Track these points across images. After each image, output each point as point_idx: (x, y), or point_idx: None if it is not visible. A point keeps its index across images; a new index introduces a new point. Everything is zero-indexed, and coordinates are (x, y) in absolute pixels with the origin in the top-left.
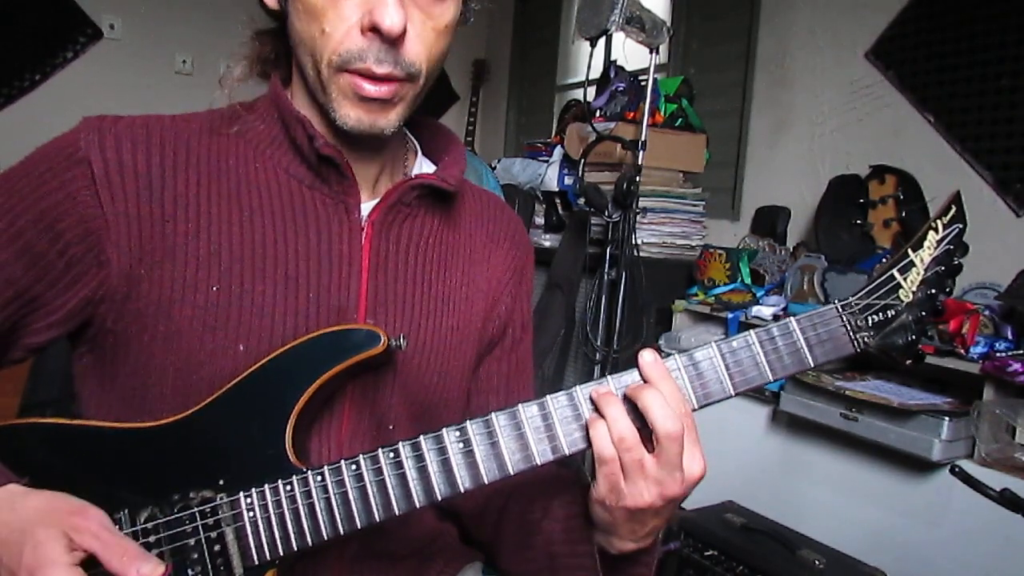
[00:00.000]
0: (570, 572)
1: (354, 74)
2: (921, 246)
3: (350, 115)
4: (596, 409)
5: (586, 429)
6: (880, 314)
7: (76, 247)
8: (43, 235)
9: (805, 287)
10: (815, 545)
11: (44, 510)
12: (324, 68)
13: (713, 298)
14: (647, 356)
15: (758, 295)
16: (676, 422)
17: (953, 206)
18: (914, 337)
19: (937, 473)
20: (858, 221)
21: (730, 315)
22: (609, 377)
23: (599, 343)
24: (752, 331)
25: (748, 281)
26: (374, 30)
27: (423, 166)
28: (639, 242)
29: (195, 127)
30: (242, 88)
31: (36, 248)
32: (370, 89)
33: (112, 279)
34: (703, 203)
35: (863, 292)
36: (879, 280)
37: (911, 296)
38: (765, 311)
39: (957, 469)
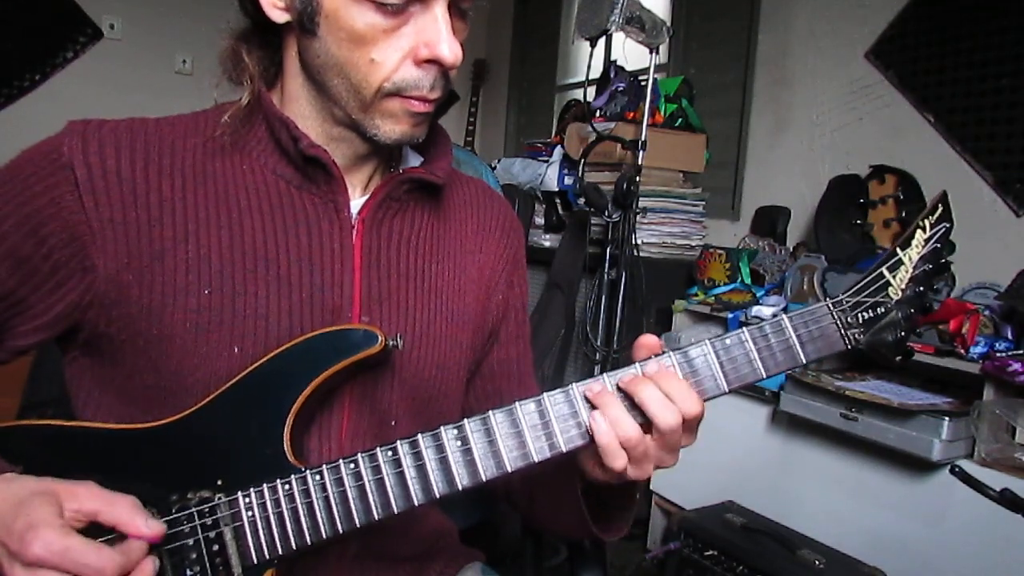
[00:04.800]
0: (569, 515)
1: (407, 98)
2: (909, 245)
3: (395, 130)
4: (595, 408)
5: (582, 427)
6: (870, 311)
7: (61, 252)
8: (28, 239)
9: (805, 287)
10: (815, 545)
11: (39, 485)
12: (370, 93)
13: (713, 298)
14: (651, 365)
15: (758, 295)
16: (675, 415)
17: (940, 205)
18: (903, 334)
19: (937, 473)
20: (858, 221)
21: (730, 315)
22: (605, 375)
23: (599, 343)
24: (745, 328)
25: (748, 281)
26: (431, 62)
27: (410, 159)
28: (639, 242)
29: (180, 130)
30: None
31: (21, 252)
32: (421, 107)
33: (99, 284)
34: (703, 203)
35: (854, 290)
36: (869, 278)
37: (900, 293)
38: (765, 311)
39: (957, 469)
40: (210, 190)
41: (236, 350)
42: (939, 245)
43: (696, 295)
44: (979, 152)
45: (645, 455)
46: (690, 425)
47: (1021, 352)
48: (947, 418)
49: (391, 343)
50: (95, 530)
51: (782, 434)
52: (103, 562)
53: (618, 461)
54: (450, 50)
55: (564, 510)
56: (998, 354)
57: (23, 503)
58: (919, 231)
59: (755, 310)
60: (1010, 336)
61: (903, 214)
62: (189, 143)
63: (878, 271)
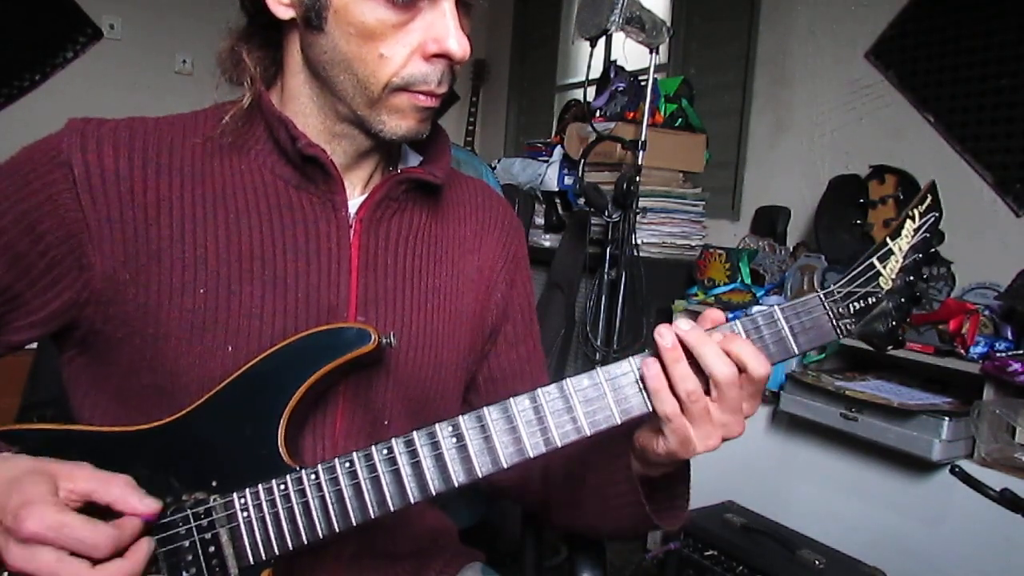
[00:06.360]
0: (620, 511)
1: (414, 93)
2: (899, 235)
3: (401, 125)
4: (644, 376)
5: (576, 421)
6: (861, 301)
7: (57, 249)
8: (24, 235)
9: (805, 287)
10: (815, 545)
11: (34, 464)
12: (378, 88)
13: (713, 298)
14: (684, 324)
15: (758, 295)
16: (732, 368)
17: (929, 195)
18: (895, 323)
19: (937, 473)
20: (858, 221)
21: (730, 315)
22: (599, 369)
23: (599, 343)
24: (738, 321)
25: (748, 281)
26: (439, 56)
27: (409, 158)
28: (639, 242)
29: (179, 129)
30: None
31: (17, 248)
32: (428, 101)
33: (95, 282)
34: (703, 203)
35: (844, 280)
36: (860, 269)
37: (891, 284)
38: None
39: (957, 469)
40: (208, 190)
41: (230, 349)
42: (928, 235)
43: (696, 295)
44: (979, 152)
45: (707, 413)
46: (755, 387)
47: (1021, 352)
48: (947, 418)
49: (384, 341)
50: (89, 513)
51: (782, 434)
52: (98, 537)
53: (677, 421)
54: (459, 44)
55: (613, 506)
56: (998, 354)
57: (17, 481)
58: (908, 221)
59: (755, 310)
60: (1010, 336)
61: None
62: (188, 143)
63: (868, 262)
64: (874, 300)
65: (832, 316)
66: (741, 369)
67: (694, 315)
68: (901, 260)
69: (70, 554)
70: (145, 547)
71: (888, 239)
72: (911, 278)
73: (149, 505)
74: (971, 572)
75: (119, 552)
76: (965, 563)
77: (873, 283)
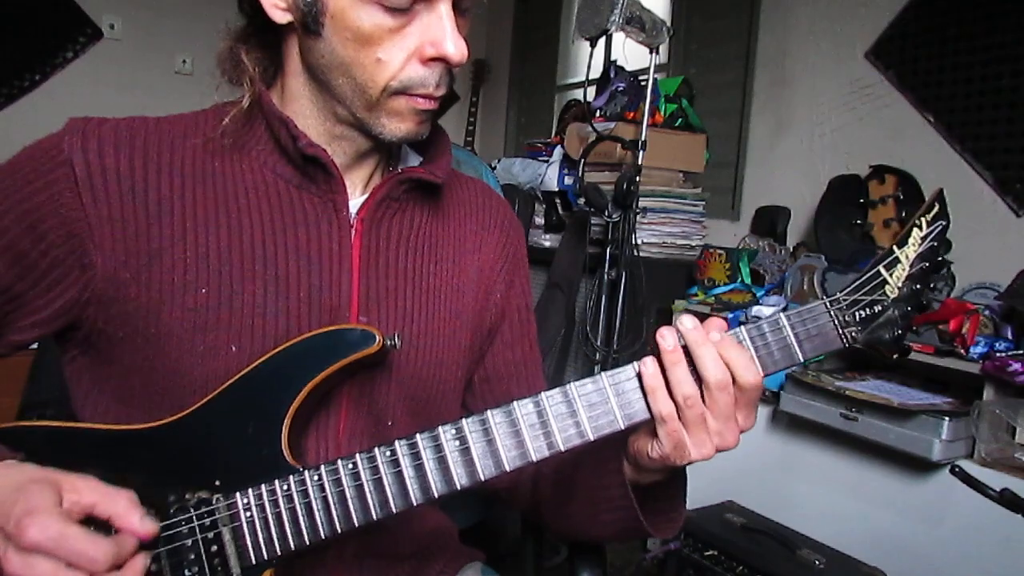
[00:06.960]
0: (610, 515)
1: (413, 96)
2: (906, 243)
3: (400, 128)
4: (641, 374)
5: (580, 426)
6: (867, 309)
7: (59, 249)
8: (26, 235)
9: (805, 287)
10: (815, 545)
11: (41, 473)
12: (376, 92)
13: (713, 298)
14: (687, 322)
15: (758, 295)
16: (724, 372)
17: (936, 203)
18: (900, 331)
19: (937, 473)
20: (858, 221)
21: (730, 315)
22: (603, 374)
23: (599, 343)
24: (743, 327)
25: (748, 281)
26: (437, 59)
27: (410, 158)
28: (639, 242)
29: (180, 129)
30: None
31: (19, 247)
32: (427, 104)
33: (97, 281)
34: (703, 203)
35: (851, 288)
36: (866, 276)
37: (897, 292)
38: (765, 311)
39: (957, 469)
40: (209, 189)
41: (234, 349)
42: (936, 243)
43: (696, 295)
44: (979, 152)
45: (702, 420)
46: (748, 397)
47: (1021, 352)
48: (947, 418)
49: (388, 343)
50: (88, 525)
51: (782, 434)
52: (97, 552)
53: (672, 424)
54: (456, 48)
55: (603, 510)
56: (998, 354)
57: (23, 489)
58: (916, 229)
59: (755, 310)
60: (1010, 336)
61: (903, 214)
62: (189, 142)
63: (875, 269)
64: (880, 308)
65: (838, 324)
66: (732, 375)
67: (694, 315)
68: (908, 268)
69: (67, 566)
70: (140, 564)
71: (895, 247)
72: (918, 286)
73: (147, 526)
74: (971, 572)
75: (116, 566)
76: (965, 563)
77: (879, 291)
